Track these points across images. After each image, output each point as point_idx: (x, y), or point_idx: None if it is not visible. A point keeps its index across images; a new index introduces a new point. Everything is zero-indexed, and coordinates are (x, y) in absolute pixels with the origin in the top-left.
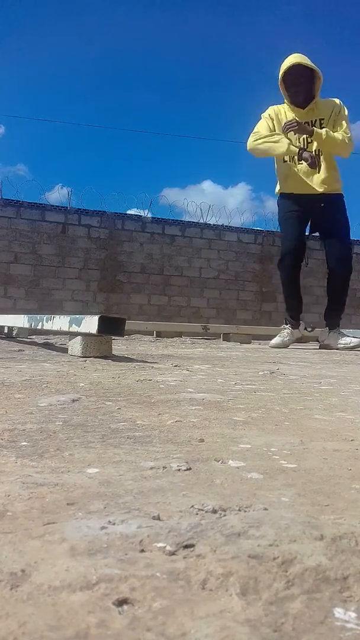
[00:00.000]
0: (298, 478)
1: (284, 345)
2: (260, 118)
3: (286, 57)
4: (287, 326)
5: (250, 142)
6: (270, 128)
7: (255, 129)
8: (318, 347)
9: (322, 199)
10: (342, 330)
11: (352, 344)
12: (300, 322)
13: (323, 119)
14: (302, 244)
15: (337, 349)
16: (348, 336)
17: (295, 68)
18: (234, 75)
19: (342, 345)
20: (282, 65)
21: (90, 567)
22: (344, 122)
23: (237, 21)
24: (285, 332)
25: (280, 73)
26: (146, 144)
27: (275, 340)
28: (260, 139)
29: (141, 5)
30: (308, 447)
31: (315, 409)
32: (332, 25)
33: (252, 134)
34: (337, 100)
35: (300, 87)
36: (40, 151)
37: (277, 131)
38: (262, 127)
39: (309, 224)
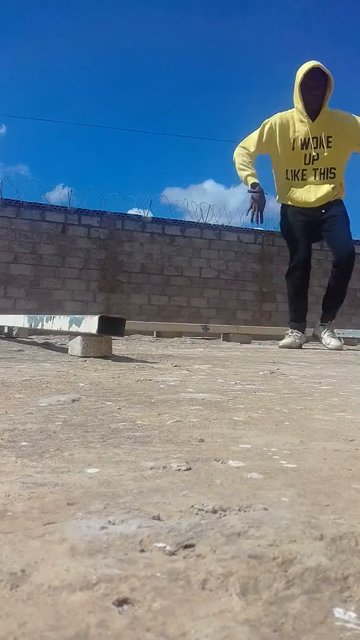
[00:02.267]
0: (298, 478)
1: (296, 346)
2: (260, 125)
3: (302, 65)
4: (295, 331)
5: (235, 155)
6: (256, 145)
7: (244, 141)
8: (312, 335)
9: (324, 207)
10: (333, 328)
11: (330, 345)
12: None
13: (331, 137)
14: (310, 255)
15: (323, 343)
16: (334, 337)
17: (316, 71)
18: (236, 75)
19: (326, 343)
20: (300, 69)
21: (90, 567)
22: None
23: (239, 21)
24: (295, 334)
25: (301, 75)
26: (148, 144)
27: (287, 340)
28: (238, 160)
29: (144, 4)
30: (308, 447)
31: (315, 409)
32: (336, 22)
33: (240, 145)
34: (354, 116)
35: (319, 90)
36: (41, 151)
37: (272, 142)
38: (250, 142)
39: (314, 232)
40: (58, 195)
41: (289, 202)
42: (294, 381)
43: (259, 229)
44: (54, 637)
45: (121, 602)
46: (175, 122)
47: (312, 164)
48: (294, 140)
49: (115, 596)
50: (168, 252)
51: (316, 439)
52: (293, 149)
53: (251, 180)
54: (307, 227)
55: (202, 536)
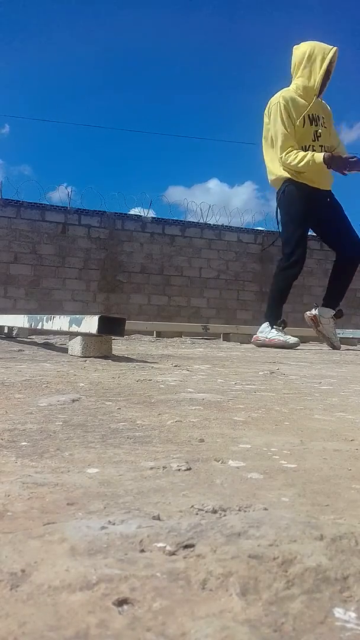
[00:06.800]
0: (298, 478)
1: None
2: (278, 113)
3: (315, 41)
4: (280, 328)
5: (292, 164)
6: (293, 136)
7: (284, 142)
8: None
9: (328, 194)
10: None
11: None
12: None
13: (324, 117)
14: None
15: (329, 342)
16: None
17: (336, 55)
18: (239, 75)
19: (331, 341)
20: (324, 46)
21: (90, 567)
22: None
23: (244, 20)
24: (283, 332)
25: (331, 53)
26: (151, 143)
27: (293, 339)
28: (296, 160)
29: (146, 3)
30: (308, 447)
31: (315, 409)
32: (349, 20)
33: (286, 153)
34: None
35: (330, 74)
36: (44, 151)
37: (294, 121)
38: (287, 141)
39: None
40: (59, 195)
41: (300, 180)
42: (294, 381)
43: (259, 228)
44: (54, 637)
45: (121, 602)
46: (177, 122)
47: (318, 140)
48: (303, 116)
49: (115, 596)
50: (168, 252)
51: (316, 439)
52: (304, 126)
53: (318, 156)
54: (311, 217)
55: (202, 536)
